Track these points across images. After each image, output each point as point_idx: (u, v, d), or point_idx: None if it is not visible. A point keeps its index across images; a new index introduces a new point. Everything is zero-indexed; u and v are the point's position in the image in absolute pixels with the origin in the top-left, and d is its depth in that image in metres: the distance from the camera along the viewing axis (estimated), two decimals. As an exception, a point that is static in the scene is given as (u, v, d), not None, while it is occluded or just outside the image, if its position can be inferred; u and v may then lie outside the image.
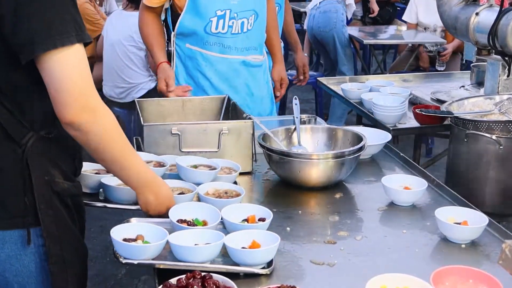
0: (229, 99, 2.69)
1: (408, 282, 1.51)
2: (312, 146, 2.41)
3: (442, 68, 5.51)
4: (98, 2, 5.59)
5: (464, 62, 5.65)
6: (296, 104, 2.51)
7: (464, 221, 1.85)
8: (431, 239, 1.86)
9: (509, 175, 2.54)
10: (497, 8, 2.81)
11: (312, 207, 2.14)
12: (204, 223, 1.81)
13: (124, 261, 1.62)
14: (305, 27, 6.34)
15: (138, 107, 2.56)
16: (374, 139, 2.49)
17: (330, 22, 5.85)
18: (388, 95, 3.23)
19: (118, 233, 1.67)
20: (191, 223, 1.79)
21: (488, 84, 3.02)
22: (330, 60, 6.16)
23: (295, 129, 2.41)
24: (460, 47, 5.56)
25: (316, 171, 2.16)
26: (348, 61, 5.96)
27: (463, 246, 1.81)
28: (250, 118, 2.36)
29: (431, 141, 5.39)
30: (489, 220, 1.87)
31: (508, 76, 2.90)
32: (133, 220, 1.81)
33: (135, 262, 1.62)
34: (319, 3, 5.97)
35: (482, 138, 2.50)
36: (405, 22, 6.21)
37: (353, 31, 6.34)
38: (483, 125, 2.50)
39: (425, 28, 5.99)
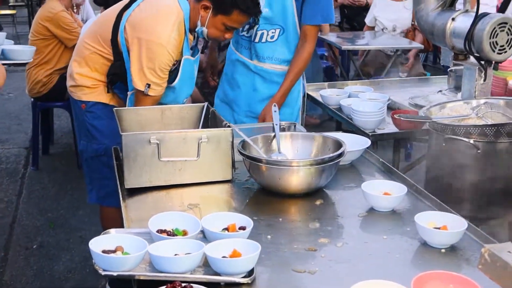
0: (208, 107, 2.68)
1: (389, 288, 1.51)
2: (292, 153, 2.41)
3: (405, 75, 5.67)
4: (75, 10, 5.55)
5: (441, 66, 5.78)
6: (275, 111, 2.50)
7: (444, 225, 1.86)
8: (412, 245, 1.87)
9: (488, 179, 2.55)
10: (473, 14, 2.83)
11: (293, 214, 2.14)
12: (184, 233, 1.80)
13: (103, 273, 1.60)
14: None
15: (116, 116, 2.54)
16: (354, 145, 2.50)
17: None
18: (367, 101, 3.24)
19: (97, 244, 1.65)
20: (171, 233, 1.78)
21: (465, 89, 3.04)
22: None
23: (274, 136, 2.41)
24: (425, 48, 5.91)
25: (296, 178, 2.16)
26: (311, 72, 5.93)
27: (443, 250, 1.82)
28: (229, 126, 2.35)
29: (410, 146, 5.41)
30: (468, 224, 1.88)
31: (484, 80, 2.92)
32: (112, 231, 1.80)
33: (115, 273, 1.60)
34: None
35: (460, 142, 2.52)
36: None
37: (331, 37, 6.38)
38: (461, 130, 2.52)
39: (382, 29, 6.22)
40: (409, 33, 6.21)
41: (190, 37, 2.83)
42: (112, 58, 2.86)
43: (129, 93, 2.85)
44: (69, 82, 3.04)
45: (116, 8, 2.92)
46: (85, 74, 2.94)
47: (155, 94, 2.78)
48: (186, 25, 2.76)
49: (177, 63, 2.84)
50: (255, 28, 3.16)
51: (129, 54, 2.78)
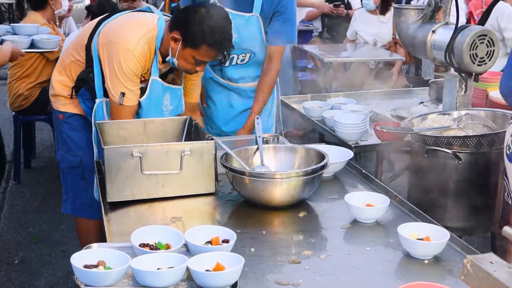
0: (191, 120, 2.68)
1: (373, 300, 1.51)
2: (275, 165, 2.41)
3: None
4: (57, 23, 5.53)
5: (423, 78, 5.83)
6: (258, 123, 2.51)
7: (427, 236, 1.87)
8: (395, 256, 1.87)
9: (469, 189, 2.57)
10: (453, 26, 2.87)
11: (276, 226, 2.14)
12: (167, 247, 1.79)
13: (85, 288, 1.59)
14: None
15: (98, 129, 2.53)
16: (337, 156, 2.51)
17: None
18: (350, 113, 3.26)
19: (79, 259, 1.63)
20: (154, 247, 1.77)
21: (446, 100, 3.07)
22: None
23: (257, 148, 2.41)
24: (407, 60, 6.00)
25: (280, 190, 2.16)
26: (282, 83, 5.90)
27: (426, 261, 1.83)
28: (212, 139, 2.35)
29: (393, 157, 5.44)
30: (451, 235, 1.88)
31: (465, 92, 2.95)
32: (94, 245, 1.78)
33: (97, 289, 1.58)
34: None
35: (442, 153, 2.54)
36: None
37: (313, 49, 6.41)
38: (443, 141, 2.54)
39: (364, 43, 6.30)
40: (390, 48, 6.27)
41: (160, 58, 2.80)
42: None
43: (97, 100, 2.81)
44: (50, 91, 3.05)
45: (98, 18, 2.93)
46: (63, 82, 2.94)
47: (129, 104, 2.74)
48: (157, 44, 2.74)
49: (145, 82, 2.83)
50: None
51: (100, 62, 2.76)
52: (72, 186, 3.03)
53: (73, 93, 2.90)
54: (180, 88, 2.97)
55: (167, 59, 2.76)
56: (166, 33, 2.75)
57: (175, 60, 2.73)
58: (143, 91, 2.82)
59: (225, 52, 2.77)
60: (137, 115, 2.83)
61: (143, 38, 2.71)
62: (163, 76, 2.89)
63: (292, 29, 3.24)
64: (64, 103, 2.96)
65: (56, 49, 4.20)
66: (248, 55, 3.22)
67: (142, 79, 2.80)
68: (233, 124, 3.30)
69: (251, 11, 3.12)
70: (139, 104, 2.81)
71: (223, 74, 3.29)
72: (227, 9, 3.05)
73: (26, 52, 3.70)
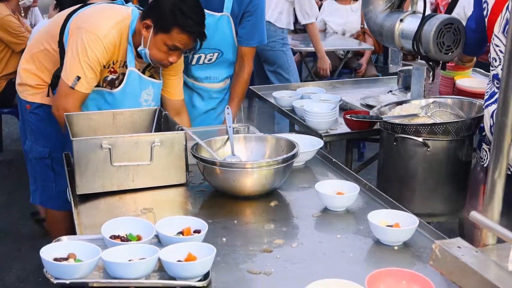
0: (160, 111, 2.66)
1: (344, 286, 1.53)
2: (246, 155, 2.41)
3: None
4: (22, 14, 5.44)
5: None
6: (228, 113, 2.50)
7: (396, 223, 1.89)
8: (365, 243, 1.89)
9: (437, 176, 2.61)
10: (420, 15, 2.90)
11: (248, 216, 2.14)
12: (138, 238, 1.78)
13: (55, 281, 1.58)
14: None
15: (67, 121, 2.50)
16: (307, 145, 2.52)
17: None
18: (319, 102, 3.27)
19: (48, 252, 1.62)
20: (125, 239, 1.76)
21: (414, 89, 3.10)
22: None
23: (228, 138, 2.41)
24: (375, 50, 6.04)
25: (251, 180, 2.16)
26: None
27: (395, 248, 1.85)
28: (182, 129, 2.34)
29: (363, 145, 5.49)
30: (420, 221, 1.91)
31: (432, 80, 2.99)
32: (64, 238, 1.76)
33: (67, 281, 1.57)
34: None
35: (410, 141, 2.57)
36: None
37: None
38: (411, 129, 2.56)
39: (333, 32, 6.36)
40: (359, 37, 6.32)
41: (134, 52, 2.76)
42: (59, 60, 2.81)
43: None
44: (17, 80, 2.99)
45: (70, 9, 2.89)
46: (31, 71, 2.89)
47: (81, 90, 2.67)
48: (130, 33, 2.71)
49: (115, 73, 2.79)
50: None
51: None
52: (41, 177, 2.99)
53: (49, 91, 2.85)
54: (160, 82, 2.93)
55: (138, 49, 2.73)
56: (138, 22, 2.72)
57: (147, 51, 2.70)
58: (118, 82, 2.79)
59: (197, 39, 2.75)
60: (111, 106, 2.79)
61: (115, 27, 2.68)
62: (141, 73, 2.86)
63: (263, 29, 3.28)
64: (32, 93, 2.91)
65: None
66: (216, 54, 3.20)
67: (112, 69, 2.77)
68: (197, 124, 3.27)
69: (222, 11, 3.11)
70: (114, 95, 2.78)
71: (188, 72, 3.25)
72: None
73: None
